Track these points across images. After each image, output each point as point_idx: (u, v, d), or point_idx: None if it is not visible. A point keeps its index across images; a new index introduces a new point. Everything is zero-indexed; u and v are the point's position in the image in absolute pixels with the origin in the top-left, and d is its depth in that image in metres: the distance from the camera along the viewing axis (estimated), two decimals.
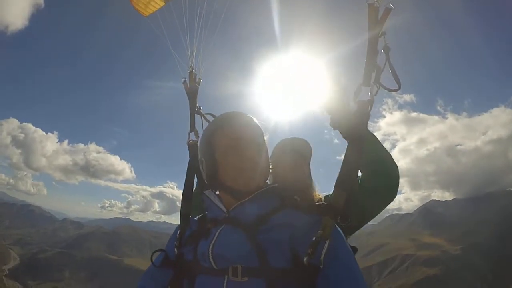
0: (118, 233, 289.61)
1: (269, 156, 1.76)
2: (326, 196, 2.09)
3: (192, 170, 2.19)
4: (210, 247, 1.53)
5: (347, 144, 1.60)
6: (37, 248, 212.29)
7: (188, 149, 2.32)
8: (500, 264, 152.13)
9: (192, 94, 2.59)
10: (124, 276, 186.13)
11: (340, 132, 1.77)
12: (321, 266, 1.35)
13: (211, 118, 2.42)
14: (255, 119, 1.75)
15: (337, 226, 1.48)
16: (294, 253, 1.41)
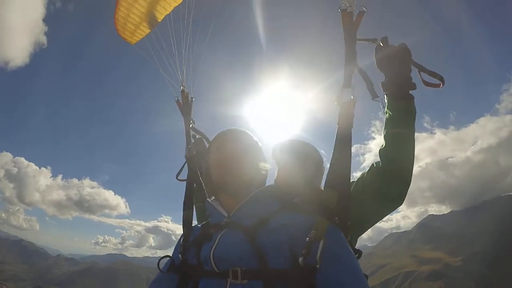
0: (114, 269, 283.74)
1: (260, 159, 1.85)
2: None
3: (192, 180, 2.29)
4: (212, 251, 1.57)
5: (334, 143, 1.63)
6: (31, 284, 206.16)
7: (187, 162, 2.43)
8: (503, 269, 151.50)
9: (186, 112, 2.69)
10: None
11: None
12: (318, 266, 1.36)
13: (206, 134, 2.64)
14: (244, 134, 1.89)
15: (334, 226, 1.48)
16: (293, 255, 1.43)
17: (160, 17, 3.17)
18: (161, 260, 1.92)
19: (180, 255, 1.82)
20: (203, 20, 3.01)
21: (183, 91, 2.79)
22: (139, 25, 3.21)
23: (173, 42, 2.88)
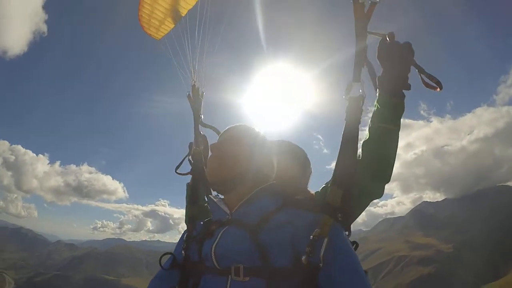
0: (113, 254, 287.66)
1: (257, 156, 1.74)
2: (316, 192, 2.06)
3: (197, 175, 2.29)
4: (213, 248, 1.55)
5: (340, 140, 1.59)
6: (33, 271, 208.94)
7: (192, 157, 2.40)
8: (493, 258, 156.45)
9: (196, 107, 2.67)
10: None
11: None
12: (321, 265, 1.35)
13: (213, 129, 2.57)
14: (239, 127, 1.82)
15: (337, 224, 1.47)
16: (296, 253, 1.42)
17: (183, 12, 3.15)
18: (163, 257, 1.90)
19: (183, 251, 1.81)
20: (217, 15, 2.99)
21: (193, 85, 2.76)
22: (163, 21, 3.22)
23: (186, 36, 2.86)
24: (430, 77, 1.69)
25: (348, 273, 1.36)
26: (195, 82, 2.78)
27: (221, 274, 1.49)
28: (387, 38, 1.71)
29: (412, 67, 1.69)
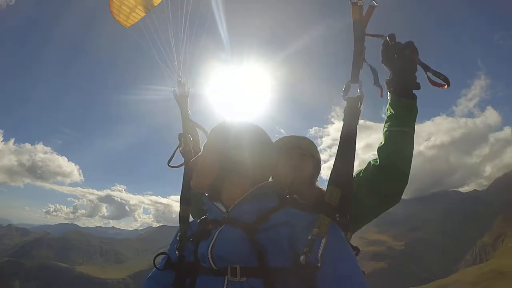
0: (67, 240, 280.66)
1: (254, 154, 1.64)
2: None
3: (189, 175, 2.18)
4: (210, 248, 1.53)
5: (339, 140, 1.57)
6: None
7: (183, 156, 2.33)
8: (444, 256, 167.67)
9: (182, 103, 2.55)
10: (77, 284, 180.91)
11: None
12: (319, 265, 1.33)
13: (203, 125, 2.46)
14: (215, 130, 1.75)
15: (335, 223, 1.45)
16: (293, 253, 1.39)
17: (156, 0, 3.03)
18: (157, 257, 1.87)
19: (177, 252, 1.77)
20: (203, 8, 2.86)
21: (179, 81, 2.64)
22: (134, 8, 3.08)
23: (170, 31, 2.70)
24: (437, 74, 1.67)
25: (346, 274, 1.35)
26: (181, 78, 2.66)
27: (218, 274, 1.48)
28: (388, 40, 1.71)
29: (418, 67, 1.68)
